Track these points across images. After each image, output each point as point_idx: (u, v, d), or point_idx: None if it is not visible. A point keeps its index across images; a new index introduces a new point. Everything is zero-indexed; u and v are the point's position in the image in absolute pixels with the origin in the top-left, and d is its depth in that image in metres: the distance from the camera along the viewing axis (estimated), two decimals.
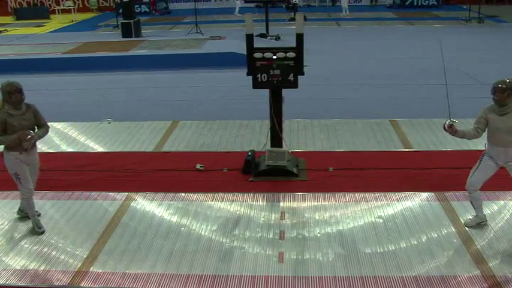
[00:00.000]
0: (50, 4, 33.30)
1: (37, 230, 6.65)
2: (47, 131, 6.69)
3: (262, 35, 20.06)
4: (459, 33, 21.99)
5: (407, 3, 31.45)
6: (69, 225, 6.88)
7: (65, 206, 7.37)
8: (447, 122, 6.30)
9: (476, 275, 5.60)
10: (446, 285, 5.48)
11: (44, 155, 9.28)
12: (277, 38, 19.95)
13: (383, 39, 21.01)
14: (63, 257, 6.14)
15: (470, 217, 6.60)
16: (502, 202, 7.13)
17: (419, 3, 31.49)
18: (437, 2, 31.44)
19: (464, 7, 27.57)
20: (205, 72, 15.64)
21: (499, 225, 6.58)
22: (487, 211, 6.73)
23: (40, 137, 6.54)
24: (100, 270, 5.87)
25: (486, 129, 6.21)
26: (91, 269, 5.89)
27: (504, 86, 5.90)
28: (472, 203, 6.47)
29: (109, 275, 5.78)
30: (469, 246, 6.11)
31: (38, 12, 31.31)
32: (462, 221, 6.64)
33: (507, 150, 6.10)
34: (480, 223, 6.51)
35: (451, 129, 6.29)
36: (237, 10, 27.84)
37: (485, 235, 6.35)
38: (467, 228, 6.47)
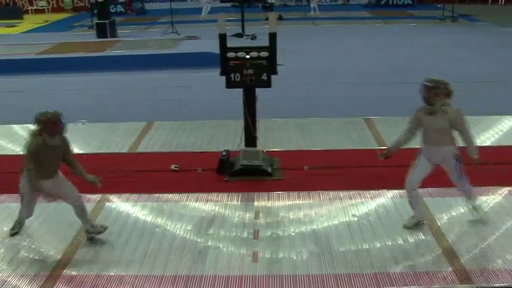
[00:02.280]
0: (22, 4, 32.84)
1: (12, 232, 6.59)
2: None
3: (238, 35, 20.08)
4: (434, 32, 22.21)
5: (382, 2, 31.65)
6: (42, 227, 6.81)
7: (38, 208, 7.25)
8: (381, 156, 6.47)
9: (449, 271, 5.67)
10: (420, 281, 5.54)
11: (17, 157, 9.21)
12: (253, 37, 19.95)
13: (358, 38, 21.14)
14: (35, 260, 6.08)
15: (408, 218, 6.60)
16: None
17: (395, 2, 31.73)
18: (412, 1, 31.72)
19: (439, 6, 27.86)
20: (181, 72, 15.58)
21: (471, 221, 6.66)
22: (459, 207, 6.84)
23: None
24: (73, 273, 5.81)
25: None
26: (64, 271, 5.84)
27: (430, 84, 5.91)
28: (410, 203, 6.49)
29: (82, 277, 5.73)
30: (441, 242, 6.19)
31: (10, 12, 30.83)
32: (435, 217, 6.72)
33: (440, 148, 6.16)
34: (418, 223, 6.53)
35: (389, 155, 6.41)
36: (203, 12, 27.49)
37: (457, 231, 6.44)
38: (439, 225, 6.56)
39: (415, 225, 6.52)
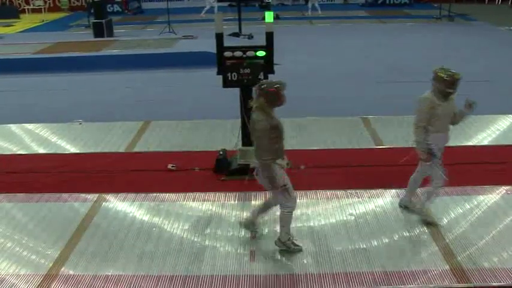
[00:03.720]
0: (19, 3, 32.78)
1: (294, 248, 6.10)
2: None
3: (235, 34, 20.06)
4: (431, 31, 22.23)
5: (379, 1, 31.66)
6: (39, 226, 6.79)
7: (35, 208, 7.29)
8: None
9: (446, 270, 5.68)
10: (417, 280, 5.55)
11: (14, 156, 9.22)
12: (250, 37, 19.93)
13: (355, 37, 21.14)
14: (33, 260, 6.07)
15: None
16: (470, 197, 7.24)
17: (392, 2, 31.74)
18: (409, 0, 31.75)
19: (435, 5, 27.89)
20: (177, 71, 15.56)
21: (468, 220, 6.68)
22: (457, 206, 6.88)
23: None
24: (70, 272, 5.81)
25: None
26: (61, 271, 5.83)
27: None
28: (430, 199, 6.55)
29: (79, 277, 5.72)
30: (438, 242, 6.20)
31: (6, 12, 30.74)
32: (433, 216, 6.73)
33: (447, 133, 6.27)
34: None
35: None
36: (205, 10, 27.31)
37: (455, 230, 6.45)
38: (436, 223, 6.57)
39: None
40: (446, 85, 5.93)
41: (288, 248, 6.05)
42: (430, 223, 6.54)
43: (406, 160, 6.80)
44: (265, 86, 5.60)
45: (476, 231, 6.40)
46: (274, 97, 5.57)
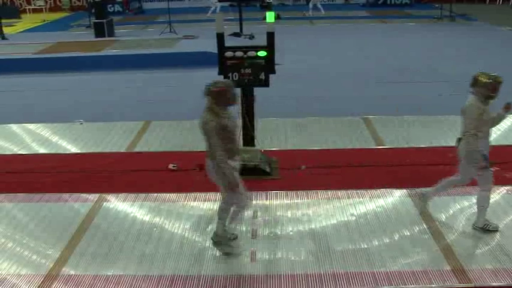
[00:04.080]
0: (20, 3, 32.82)
1: (227, 245, 6.12)
2: None
3: (235, 34, 20.05)
4: (431, 31, 22.23)
5: (380, 1, 31.67)
6: (40, 227, 6.79)
7: (36, 208, 7.28)
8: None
9: (447, 270, 5.67)
10: (418, 280, 5.54)
11: (14, 157, 9.22)
12: (251, 37, 19.93)
13: (356, 37, 21.15)
14: (33, 260, 6.06)
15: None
16: (471, 197, 7.23)
17: (393, 2, 31.76)
18: (409, 0, 31.74)
19: (436, 5, 27.91)
20: (178, 71, 15.58)
21: (469, 220, 6.67)
22: (457, 206, 6.88)
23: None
24: (71, 273, 5.80)
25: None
26: (62, 271, 5.83)
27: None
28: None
29: (80, 278, 5.71)
30: (439, 242, 6.19)
31: (8, 12, 30.70)
32: (433, 216, 6.72)
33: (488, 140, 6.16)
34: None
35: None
36: (211, 10, 27.29)
37: (455, 230, 6.44)
38: (437, 223, 6.55)
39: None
40: (489, 89, 5.87)
41: (220, 243, 6.04)
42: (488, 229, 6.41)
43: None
44: (210, 86, 5.59)
45: (477, 231, 6.39)
46: (219, 97, 5.55)
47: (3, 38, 22.19)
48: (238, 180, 5.78)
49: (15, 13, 30.69)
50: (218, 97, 5.54)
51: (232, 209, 6.03)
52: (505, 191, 7.39)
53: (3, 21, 22.77)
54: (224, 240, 6.08)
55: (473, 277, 5.55)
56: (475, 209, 6.66)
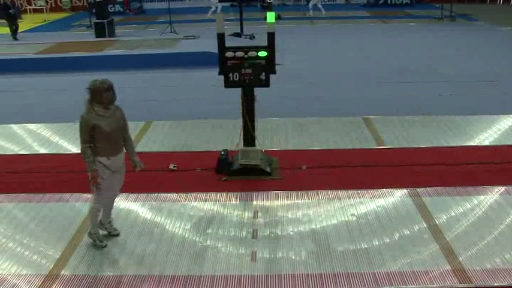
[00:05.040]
0: (21, 3, 32.79)
1: (97, 243, 6.28)
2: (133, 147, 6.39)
3: (236, 34, 20.05)
4: (432, 31, 22.21)
5: (381, 1, 31.63)
6: (40, 227, 6.79)
7: (36, 208, 7.29)
8: None
9: (447, 270, 5.67)
10: (418, 280, 5.54)
11: (15, 157, 9.22)
12: (252, 37, 19.93)
13: (356, 37, 21.14)
14: (34, 260, 6.07)
15: None
16: (472, 197, 7.24)
17: (393, 2, 31.71)
18: (410, 0, 31.72)
19: (437, 5, 27.88)
20: (179, 72, 15.57)
21: (469, 220, 6.67)
22: (458, 207, 6.88)
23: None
24: (72, 273, 5.80)
25: None
26: (62, 271, 5.83)
27: None
28: None
29: (80, 278, 5.72)
30: (440, 242, 6.19)
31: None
32: (433, 216, 6.72)
33: None
34: None
35: None
36: (211, 11, 27.16)
37: (456, 230, 6.44)
38: (438, 224, 6.56)
39: None
40: None
41: (93, 240, 6.26)
42: None
43: None
44: (89, 83, 5.77)
45: (478, 231, 6.39)
46: (94, 95, 5.73)
47: (15, 38, 22.15)
48: (97, 175, 5.84)
49: (16, 13, 30.62)
50: (92, 95, 5.75)
51: (91, 206, 6.20)
52: (505, 191, 7.37)
53: (4, 21, 22.76)
54: (93, 237, 6.27)
55: (473, 277, 5.55)
56: (475, 208, 6.68)
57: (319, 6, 27.60)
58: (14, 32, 22.30)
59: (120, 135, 6.04)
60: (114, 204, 6.70)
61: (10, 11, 22.10)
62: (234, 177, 7.96)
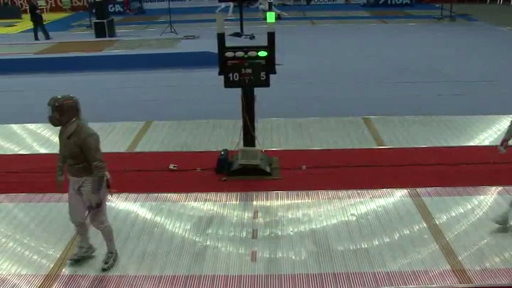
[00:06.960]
0: (21, 3, 32.77)
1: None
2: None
3: (236, 34, 20.05)
4: (432, 31, 22.21)
5: (381, 1, 31.61)
6: (41, 227, 6.80)
7: (36, 208, 7.29)
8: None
9: (447, 270, 5.68)
10: (418, 280, 5.54)
11: (15, 157, 9.22)
12: (252, 37, 19.92)
13: (356, 37, 21.12)
14: (34, 260, 6.07)
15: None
16: (472, 198, 7.24)
17: (393, 2, 31.65)
18: (410, 0, 31.71)
19: (437, 5, 27.87)
20: (179, 71, 15.56)
21: (469, 220, 6.68)
22: (458, 207, 6.88)
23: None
24: (72, 273, 5.80)
25: None
26: (62, 271, 5.83)
27: None
28: None
29: (80, 278, 5.72)
30: (440, 242, 6.19)
31: (8, 12, 30.71)
32: (433, 216, 6.73)
33: None
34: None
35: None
36: (220, 8, 27.03)
37: (456, 230, 6.44)
38: (438, 224, 6.56)
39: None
40: None
41: (113, 261, 5.93)
42: None
43: None
44: (57, 102, 5.73)
45: (478, 231, 6.39)
46: (74, 110, 5.83)
47: (48, 37, 22.06)
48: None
49: (16, 13, 30.63)
50: (72, 111, 5.81)
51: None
52: (505, 191, 7.37)
53: (4, 21, 22.72)
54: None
55: (473, 277, 5.55)
56: (475, 208, 6.67)
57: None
58: (44, 31, 22.05)
59: None
60: (114, 204, 6.73)
61: (37, 11, 22.03)
62: (234, 177, 7.96)
